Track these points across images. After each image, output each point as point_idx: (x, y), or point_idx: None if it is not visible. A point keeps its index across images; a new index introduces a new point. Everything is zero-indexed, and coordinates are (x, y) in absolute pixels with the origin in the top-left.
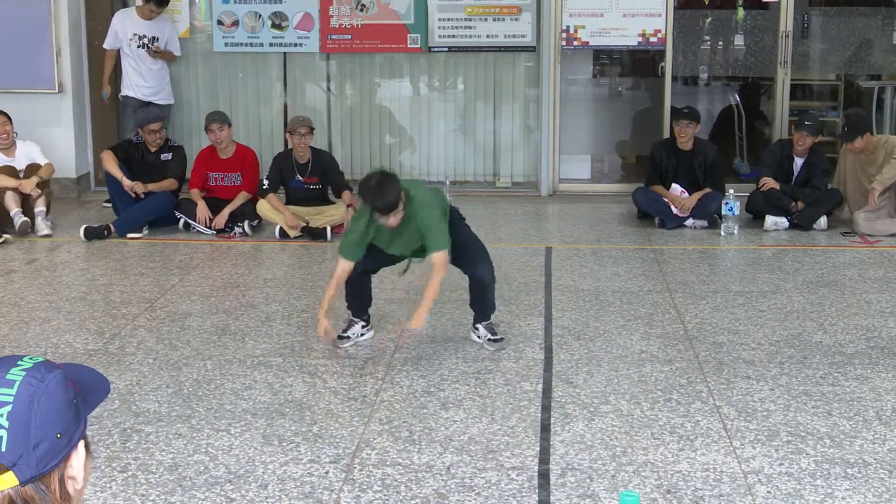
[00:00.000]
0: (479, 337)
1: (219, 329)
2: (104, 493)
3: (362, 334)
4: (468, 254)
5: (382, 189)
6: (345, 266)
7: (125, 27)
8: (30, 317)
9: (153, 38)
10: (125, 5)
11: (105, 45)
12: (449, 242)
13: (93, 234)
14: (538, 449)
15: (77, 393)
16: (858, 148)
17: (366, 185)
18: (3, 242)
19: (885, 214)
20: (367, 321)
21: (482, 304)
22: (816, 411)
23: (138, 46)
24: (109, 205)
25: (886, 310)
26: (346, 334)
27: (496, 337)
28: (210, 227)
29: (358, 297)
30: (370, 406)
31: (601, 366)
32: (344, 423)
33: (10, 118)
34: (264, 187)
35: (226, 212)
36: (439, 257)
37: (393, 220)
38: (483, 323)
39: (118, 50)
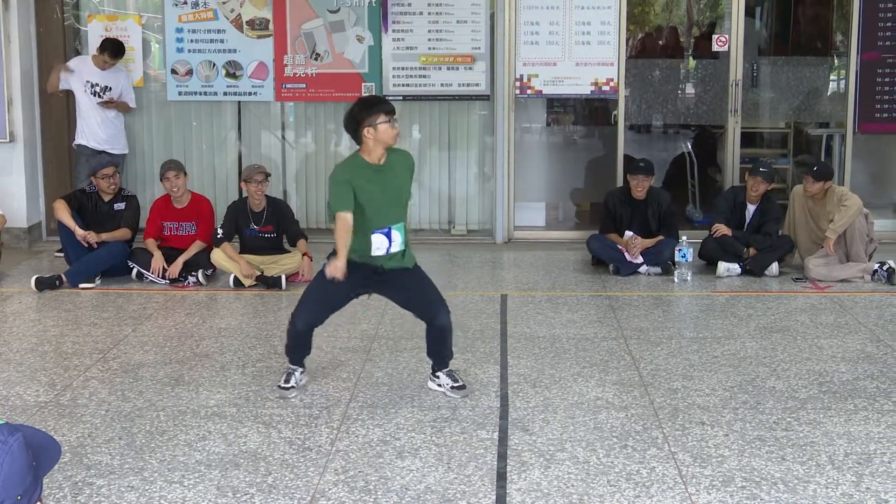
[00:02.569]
0: (439, 385)
1: (172, 379)
2: None
3: (301, 380)
4: (429, 297)
5: (379, 97)
6: (345, 217)
7: (80, 73)
8: None
9: (106, 87)
10: (78, 54)
11: (50, 85)
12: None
13: (44, 284)
14: (494, 497)
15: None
16: (814, 191)
17: (364, 101)
18: None
19: (835, 260)
20: (304, 367)
21: (442, 351)
22: (770, 456)
23: (92, 94)
24: (62, 255)
25: (838, 355)
26: (289, 384)
27: (459, 384)
28: (164, 278)
29: (303, 348)
30: (325, 456)
31: (557, 413)
32: (299, 474)
33: None
34: (219, 236)
35: (180, 261)
36: None
37: (396, 129)
38: (444, 371)
39: (68, 90)
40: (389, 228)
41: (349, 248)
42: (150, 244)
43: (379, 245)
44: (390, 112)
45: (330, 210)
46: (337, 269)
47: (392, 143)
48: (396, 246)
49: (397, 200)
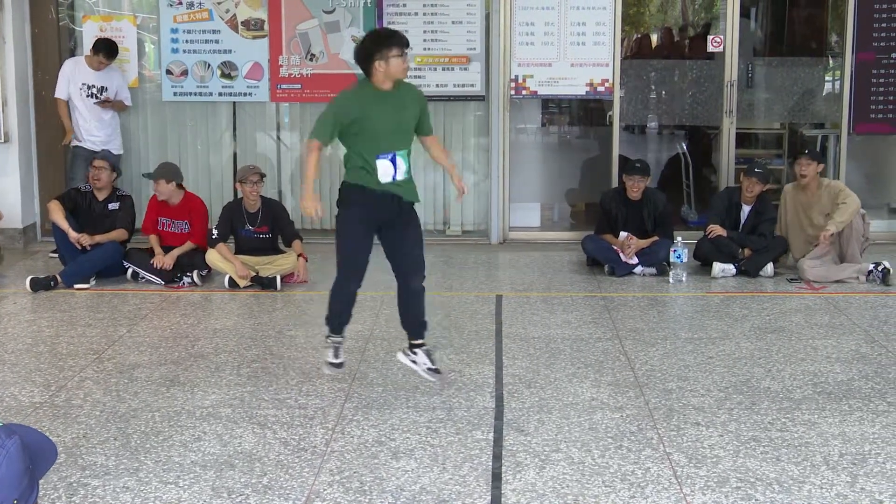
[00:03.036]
0: (414, 362)
1: (167, 380)
2: None
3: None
4: (416, 253)
5: (394, 30)
6: (316, 146)
7: (75, 75)
8: None
9: (102, 87)
10: (73, 55)
11: (57, 95)
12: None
13: (39, 284)
14: (490, 498)
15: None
16: (809, 174)
17: (376, 34)
18: None
19: (829, 261)
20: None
21: (419, 316)
22: (765, 457)
23: (87, 96)
24: (56, 255)
25: (832, 355)
26: (340, 359)
27: (436, 367)
28: (159, 270)
29: (348, 312)
30: (320, 457)
31: (552, 413)
32: (294, 475)
33: None
34: (214, 237)
35: (175, 253)
36: (435, 139)
37: (407, 63)
38: (422, 348)
39: (67, 98)
40: (394, 154)
41: (362, 179)
42: (153, 240)
43: (385, 171)
44: (403, 45)
45: (309, 135)
46: (306, 203)
47: (403, 77)
48: (401, 174)
49: (403, 127)
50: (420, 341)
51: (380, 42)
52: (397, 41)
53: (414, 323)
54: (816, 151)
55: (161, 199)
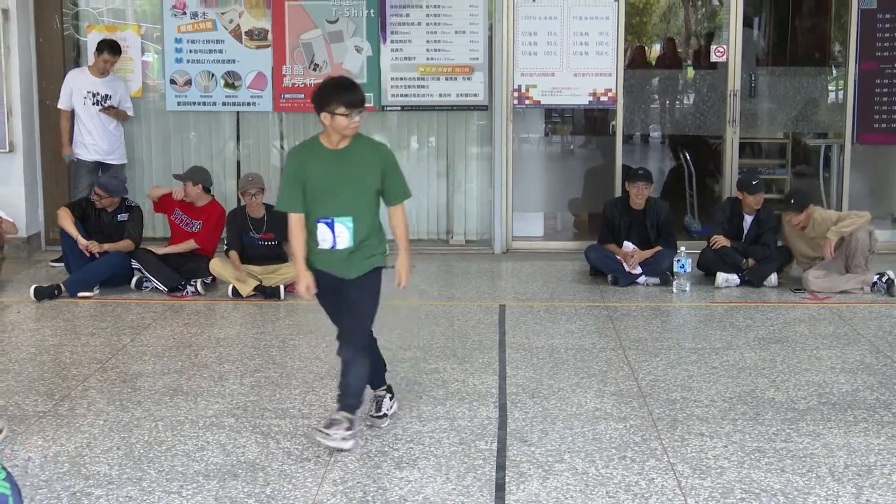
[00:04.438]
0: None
1: (171, 389)
2: None
3: (392, 406)
4: (352, 315)
5: (353, 84)
6: (296, 218)
7: (78, 85)
8: None
9: (106, 95)
10: (77, 65)
11: (60, 106)
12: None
13: (43, 293)
14: None
15: None
16: (798, 222)
17: (329, 85)
18: None
19: (834, 272)
20: (390, 390)
21: (341, 387)
22: (770, 468)
23: (93, 103)
24: (59, 264)
25: (837, 366)
26: (380, 412)
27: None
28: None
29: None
30: (324, 466)
31: (556, 424)
32: (297, 485)
33: None
34: (226, 247)
35: (169, 249)
36: (398, 210)
37: (357, 122)
38: (339, 426)
39: (70, 109)
40: (332, 220)
41: (308, 245)
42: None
43: (323, 236)
44: (352, 104)
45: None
46: (301, 283)
47: (348, 135)
48: (343, 242)
49: (348, 190)
50: (339, 417)
51: (325, 94)
52: (345, 98)
53: (339, 389)
54: (800, 196)
55: (187, 201)
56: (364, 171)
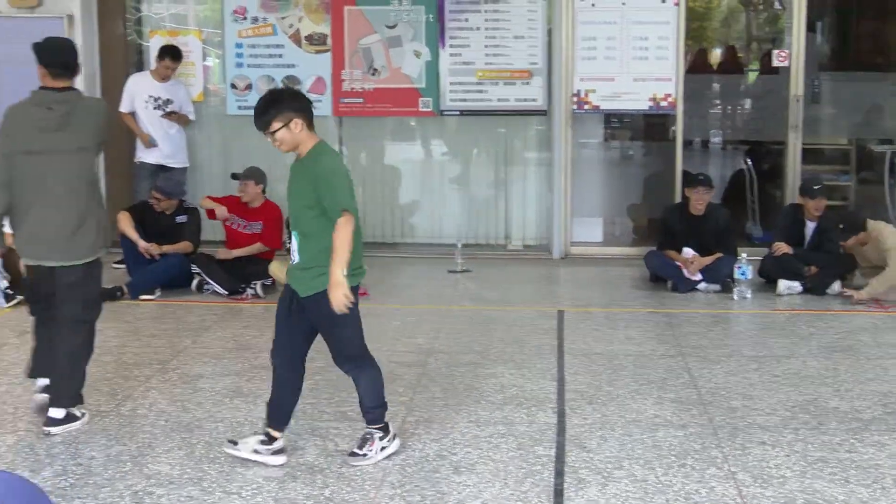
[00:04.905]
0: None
1: (231, 391)
2: None
3: (383, 447)
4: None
5: (262, 104)
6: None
7: (139, 89)
8: None
9: (167, 100)
10: (140, 69)
11: (121, 109)
12: (354, 205)
13: (105, 295)
14: None
15: None
16: (855, 242)
17: (281, 95)
18: (17, 304)
19: None
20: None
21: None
22: (833, 478)
23: (154, 108)
24: (120, 266)
25: None
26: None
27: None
28: (224, 279)
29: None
30: (382, 470)
31: (614, 430)
32: (355, 487)
33: None
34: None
35: (236, 252)
36: (339, 226)
37: (276, 143)
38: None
39: (132, 112)
40: (291, 232)
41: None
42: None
43: (292, 249)
44: (261, 124)
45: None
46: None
47: (289, 151)
48: (295, 257)
49: (294, 205)
50: (367, 432)
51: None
52: (258, 114)
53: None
54: (850, 222)
55: (244, 200)
56: (298, 186)
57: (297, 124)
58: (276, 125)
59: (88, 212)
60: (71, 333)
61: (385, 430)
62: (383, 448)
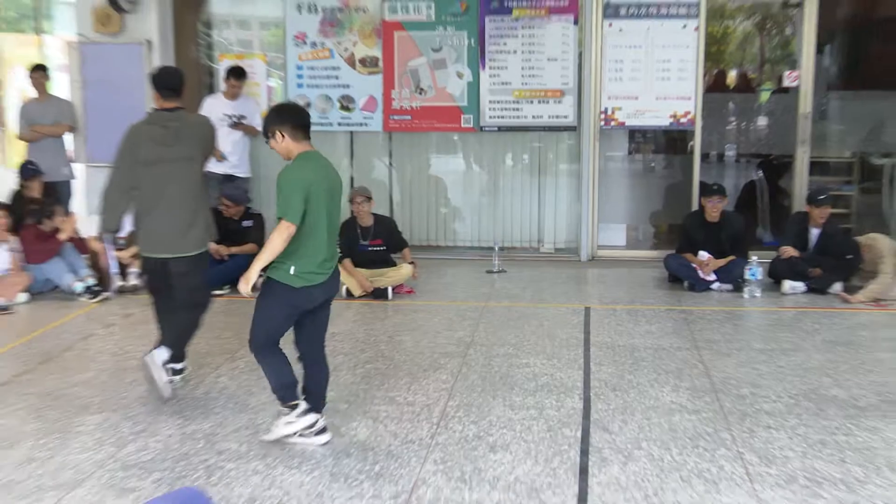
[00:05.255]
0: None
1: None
2: None
3: (288, 422)
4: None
5: (274, 109)
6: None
7: (214, 109)
8: (127, 364)
9: (240, 115)
10: (211, 90)
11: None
12: (293, 215)
13: None
14: (577, 489)
15: None
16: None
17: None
18: (104, 299)
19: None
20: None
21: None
22: (831, 459)
23: (228, 125)
24: None
25: None
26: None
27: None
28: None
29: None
30: (426, 448)
31: (635, 415)
32: (402, 463)
33: None
34: (339, 253)
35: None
36: (278, 226)
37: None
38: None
39: None
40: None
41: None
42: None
43: None
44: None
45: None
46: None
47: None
48: None
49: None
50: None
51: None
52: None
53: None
54: (853, 246)
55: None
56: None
57: (281, 135)
58: (267, 137)
59: (198, 212)
60: (185, 313)
61: (292, 408)
62: (288, 423)
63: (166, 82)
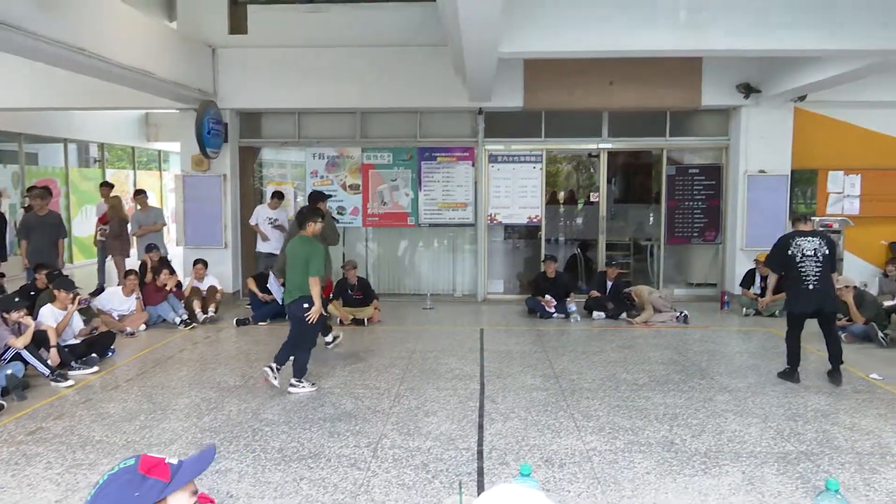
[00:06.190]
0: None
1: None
2: (242, 463)
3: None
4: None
5: (306, 208)
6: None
7: (262, 214)
8: (206, 366)
9: (276, 219)
10: (260, 201)
11: (251, 222)
12: (320, 271)
13: (240, 322)
14: (477, 438)
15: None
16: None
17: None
18: (193, 328)
19: (660, 306)
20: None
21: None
22: (625, 415)
23: (270, 224)
24: (249, 306)
25: (658, 360)
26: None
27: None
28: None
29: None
30: (386, 415)
31: (509, 392)
32: (372, 424)
33: (206, 264)
34: (331, 298)
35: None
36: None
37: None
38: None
39: (256, 224)
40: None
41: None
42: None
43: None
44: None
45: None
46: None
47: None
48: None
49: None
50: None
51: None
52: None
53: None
54: (628, 295)
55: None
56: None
57: (314, 223)
58: (305, 224)
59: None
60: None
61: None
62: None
63: (311, 198)
